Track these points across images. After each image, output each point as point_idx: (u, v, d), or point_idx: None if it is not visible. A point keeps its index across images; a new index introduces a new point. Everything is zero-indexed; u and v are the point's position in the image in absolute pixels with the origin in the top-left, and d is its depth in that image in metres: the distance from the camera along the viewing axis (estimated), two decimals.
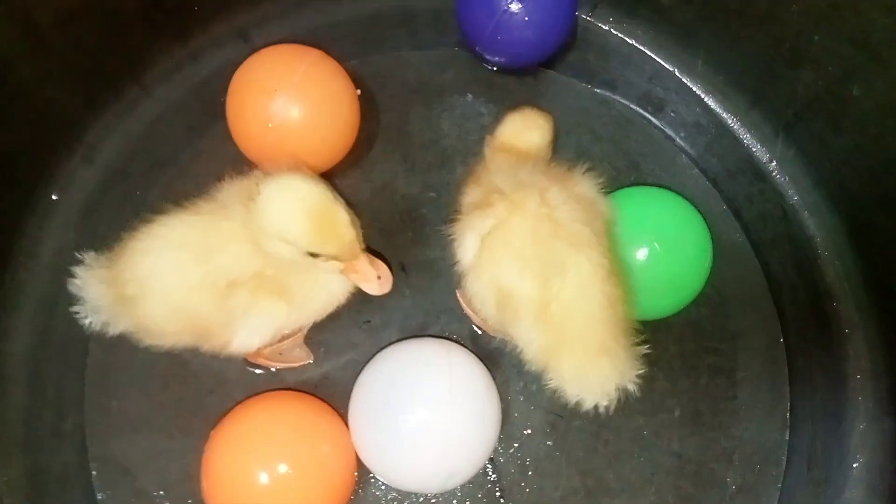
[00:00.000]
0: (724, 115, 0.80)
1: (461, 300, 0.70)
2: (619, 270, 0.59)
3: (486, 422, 0.62)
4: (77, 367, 0.68)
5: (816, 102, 0.73)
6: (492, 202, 0.59)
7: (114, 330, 0.61)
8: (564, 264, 0.56)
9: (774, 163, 0.79)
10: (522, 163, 0.62)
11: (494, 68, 0.80)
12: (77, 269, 0.60)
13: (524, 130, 0.65)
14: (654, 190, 0.70)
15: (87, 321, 0.60)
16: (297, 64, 0.67)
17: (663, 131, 0.80)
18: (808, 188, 0.77)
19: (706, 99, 0.81)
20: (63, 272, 0.62)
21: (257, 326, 0.60)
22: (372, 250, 0.61)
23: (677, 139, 0.80)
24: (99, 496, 0.65)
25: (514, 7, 0.71)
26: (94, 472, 0.66)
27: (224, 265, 0.57)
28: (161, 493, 0.65)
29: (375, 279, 0.60)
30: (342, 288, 0.62)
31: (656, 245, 0.65)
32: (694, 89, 0.81)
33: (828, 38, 0.69)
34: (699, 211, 0.69)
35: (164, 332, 0.60)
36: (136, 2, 0.72)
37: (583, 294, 0.56)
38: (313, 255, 0.56)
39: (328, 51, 0.71)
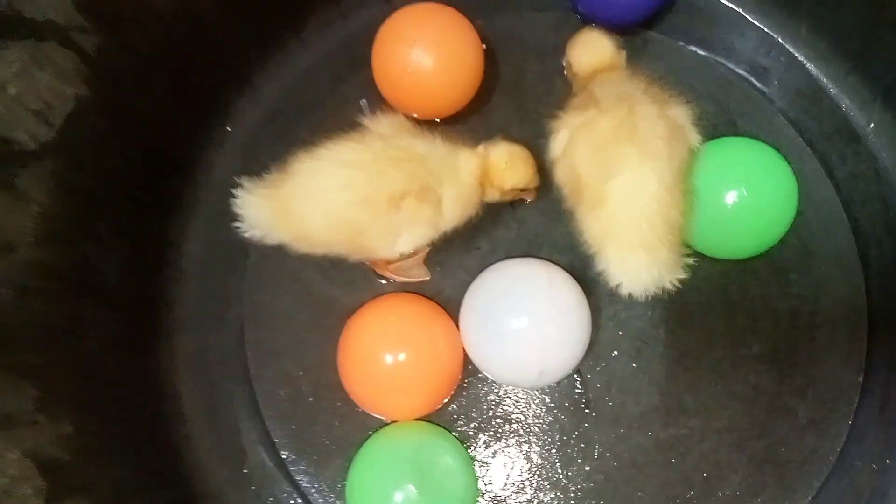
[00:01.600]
0: (825, 80, 0.84)
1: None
2: (681, 189, 0.67)
3: (577, 330, 0.70)
4: (239, 267, 0.80)
5: None
6: (587, 106, 0.68)
7: (271, 240, 0.71)
8: (629, 167, 0.64)
9: (871, 126, 0.82)
10: (621, 78, 0.71)
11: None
12: (238, 191, 0.70)
13: (583, 54, 0.76)
14: (746, 140, 0.76)
15: (246, 234, 0.71)
16: (433, 20, 0.77)
17: (763, 93, 0.84)
18: None
19: (808, 65, 0.84)
20: (230, 191, 0.75)
21: (415, 235, 0.70)
22: None
23: (776, 101, 0.84)
24: (251, 371, 0.78)
25: None
26: (248, 354, 0.78)
27: (393, 182, 0.67)
28: (301, 373, 0.77)
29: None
30: (477, 199, 0.73)
31: (744, 190, 0.71)
32: (797, 55, 0.85)
33: None
34: (791, 166, 0.74)
35: (322, 241, 0.69)
36: None
37: (637, 196, 0.64)
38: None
39: (459, 10, 0.80)
